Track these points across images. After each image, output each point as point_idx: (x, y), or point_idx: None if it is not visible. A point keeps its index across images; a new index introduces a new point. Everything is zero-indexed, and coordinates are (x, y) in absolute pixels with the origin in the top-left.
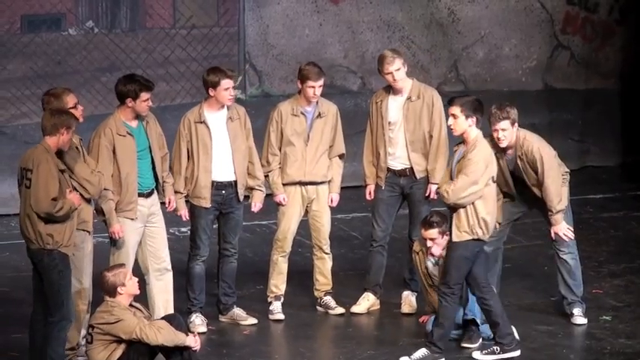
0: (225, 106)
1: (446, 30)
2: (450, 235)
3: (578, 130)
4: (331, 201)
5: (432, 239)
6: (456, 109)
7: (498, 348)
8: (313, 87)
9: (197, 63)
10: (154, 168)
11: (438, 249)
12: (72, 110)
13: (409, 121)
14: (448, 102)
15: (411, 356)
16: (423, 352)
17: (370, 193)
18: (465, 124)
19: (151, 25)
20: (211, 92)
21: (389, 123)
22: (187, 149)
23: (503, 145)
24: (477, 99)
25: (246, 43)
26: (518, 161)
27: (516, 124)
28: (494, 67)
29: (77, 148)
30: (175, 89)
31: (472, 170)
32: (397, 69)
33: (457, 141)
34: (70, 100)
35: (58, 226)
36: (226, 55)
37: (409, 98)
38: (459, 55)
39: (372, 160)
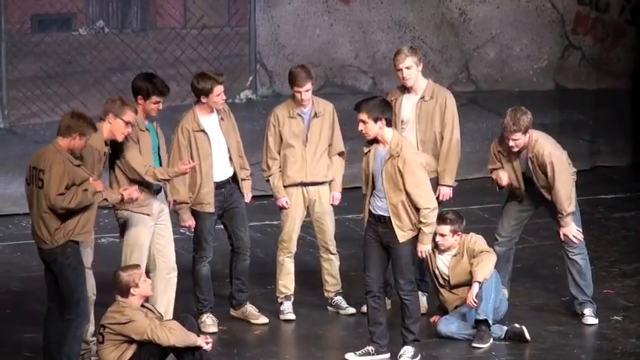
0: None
1: (457, 30)
2: (395, 236)
3: (589, 130)
4: (333, 199)
5: (442, 235)
6: (363, 115)
7: (373, 349)
8: (299, 92)
9: (208, 63)
10: None
11: (445, 243)
12: (124, 126)
13: (421, 120)
14: (355, 107)
15: (399, 356)
16: (410, 350)
17: None
18: (376, 128)
19: (161, 25)
20: (204, 99)
21: (402, 121)
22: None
23: (515, 150)
24: (383, 99)
25: (257, 43)
26: (529, 163)
27: (529, 131)
28: (505, 68)
29: (133, 139)
30: (186, 89)
31: (420, 172)
32: (407, 67)
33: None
34: (129, 115)
35: (70, 220)
36: (237, 55)
37: (422, 98)
38: (470, 55)
39: None
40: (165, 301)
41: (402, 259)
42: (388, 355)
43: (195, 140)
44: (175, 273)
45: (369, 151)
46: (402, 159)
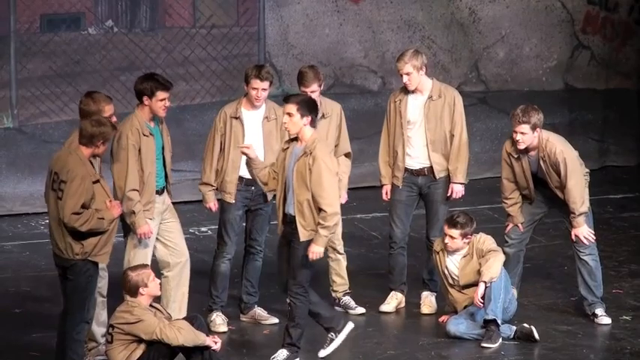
0: (263, 105)
1: (466, 30)
2: (297, 234)
3: (598, 129)
4: (340, 198)
5: (451, 237)
6: (292, 108)
7: (333, 334)
8: (305, 92)
9: (217, 62)
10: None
11: (452, 246)
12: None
13: (430, 120)
14: (284, 99)
15: (272, 357)
16: (284, 353)
17: (387, 193)
18: (300, 123)
19: (170, 25)
20: (245, 88)
21: (408, 122)
22: (220, 142)
23: (521, 147)
24: (313, 100)
25: (266, 42)
26: (541, 163)
27: (538, 129)
28: (514, 67)
29: (134, 145)
30: (195, 89)
31: (327, 174)
32: (407, 72)
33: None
34: (107, 109)
35: (90, 240)
36: (246, 55)
37: (430, 97)
38: (479, 55)
39: (388, 160)
40: (180, 295)
41: (298, 259)
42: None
43: (230, 125)
44: (188, 265)
45: (286, 148)
46: (313, 157)
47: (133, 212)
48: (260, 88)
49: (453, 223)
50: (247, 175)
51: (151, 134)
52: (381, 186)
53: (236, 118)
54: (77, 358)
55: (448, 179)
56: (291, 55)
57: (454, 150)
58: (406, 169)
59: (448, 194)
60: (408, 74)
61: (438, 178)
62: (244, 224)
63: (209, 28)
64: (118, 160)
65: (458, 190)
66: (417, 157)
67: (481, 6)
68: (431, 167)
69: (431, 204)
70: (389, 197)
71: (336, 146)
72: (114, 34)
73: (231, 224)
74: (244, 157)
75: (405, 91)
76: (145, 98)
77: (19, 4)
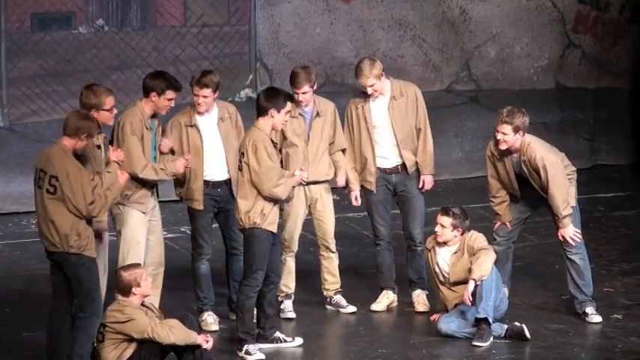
0: (215, 107)
1: (457, 29)
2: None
3: (589, 128)
4: (337, 183)
5: (442, 225)
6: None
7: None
8: (297, 93)
9: (208, 61)
10: None
11: (442, 235)
12: (106, 112)
13: (397, 120)
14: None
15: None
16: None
17: (357, 199)
18: None
19: (161, 24)
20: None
21: (374, 127)
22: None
23: (502, 147)
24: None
25: (257, 41)
26: (523, 166)
27: (521, 132)
28: (505, 66)
29: (138, 135)
30: (186, 88)
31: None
32: (371, 85)
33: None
34: (108, 101)
35: (85, 229)
36: (237, 54)
37: (393, 98)
38: (470, 54)
39: (355, 166)
40: (155, 295)
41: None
42: None
43: (187, 135)
44: (162, 269)
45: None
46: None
47: (163, 172)
48: (200, 95)
49: (446, 211)
50: (214, 179)
51: (150, 128)
52: (349, 192)
53: (191, 126)
54: (83, 352)
55: (417, 172)
56: (282, 54)
57: (421, 142)
58: (379, 169)
59: (420, 186)
60: (372, 86)
61: (410, 173)
62: (216, 225)
63: (200, 27)
64: (123, 147)
65: (429, 182)
66: (388, 157)
67: (472, 5)
68: (403, 164)
69: (408, 199)
70: (359, 203)
71: (331, 144)
72: (105, 33)
73: (205, 228)
74: (209, 162)
75: (365, 95)
76: (153, 94)
77: (9, 3)
